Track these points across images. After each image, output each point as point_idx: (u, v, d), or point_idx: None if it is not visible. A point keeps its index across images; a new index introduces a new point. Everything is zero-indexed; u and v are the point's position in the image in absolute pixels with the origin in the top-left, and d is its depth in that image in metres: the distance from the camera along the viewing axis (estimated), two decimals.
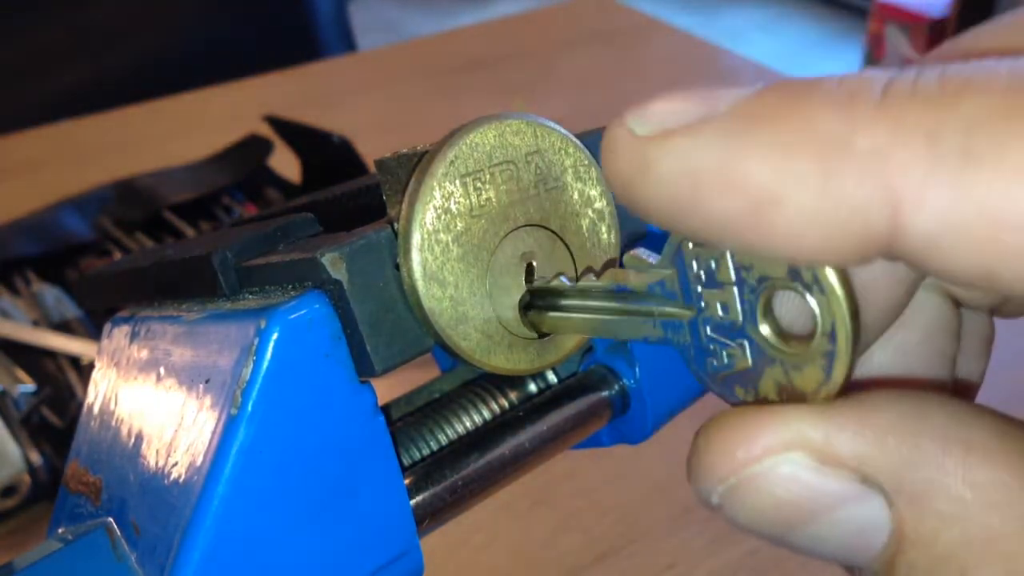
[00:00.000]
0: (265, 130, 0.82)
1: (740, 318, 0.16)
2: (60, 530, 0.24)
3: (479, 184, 0.20)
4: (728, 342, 0.17)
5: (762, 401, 0.16)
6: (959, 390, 0.20)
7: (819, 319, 0.15)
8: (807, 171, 0.13)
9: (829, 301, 0.15)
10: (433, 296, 0.19)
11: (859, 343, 0.15)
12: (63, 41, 1.05)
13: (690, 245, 0.17)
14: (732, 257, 0.16)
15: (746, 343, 0.16)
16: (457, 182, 0.20)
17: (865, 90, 0.13)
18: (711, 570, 0.50)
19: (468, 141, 0.20)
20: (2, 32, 1.03)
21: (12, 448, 0.53)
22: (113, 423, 0.23)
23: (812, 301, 0.15)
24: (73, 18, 1.05)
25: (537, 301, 0.21)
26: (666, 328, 0.18)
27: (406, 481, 0.22)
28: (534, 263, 0.21)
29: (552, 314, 0.20)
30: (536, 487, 0.55)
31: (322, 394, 0.19)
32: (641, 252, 0.18)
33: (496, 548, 0.52)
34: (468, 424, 0.24)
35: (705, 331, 0.17)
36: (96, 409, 0.25)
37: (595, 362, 0.26)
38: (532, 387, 0.25)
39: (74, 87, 1.05)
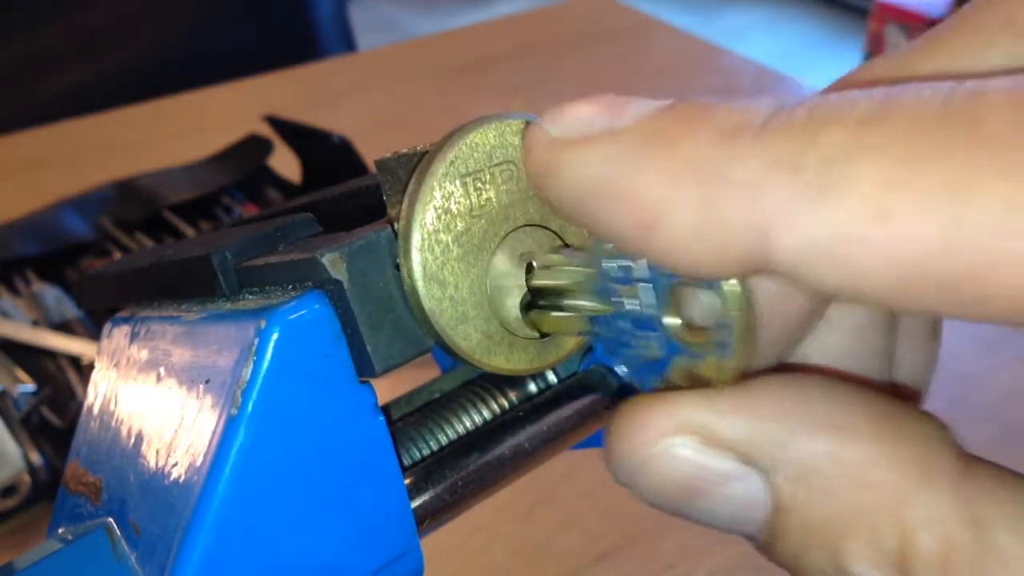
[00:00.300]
0: (265, 130, 0.82)
1: (652, 312, 0.18)
2: (60, 530, 0.24)
3: (479, 184, 0.20)
4: (642, 334, 0.18)
5: (672, 388, 0.18)
6: (899, 384, 0.22)
7: (716, 312, 0.16)
8: (689, 196, 0.14)
9: (722, 297, 0.16)
10: (433, 296, 0.19)
11: (752, 333, 0.16)
12: (63, 41, 1.05)
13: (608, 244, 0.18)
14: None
15: (657, 335, 0.18)
16: (457, 182, 0.20)
17: (748, 121, 0.14)
18: (711, 570, 0.50)
19: (468, 141, 0.20)
20: (2, 32, 1.03)
21: (12, 448, 0.53)
22: (113, 423, 0.23)
23: (710, 296, 0.16)
24: (73, 18, 1.05)
25: (538, 301, 0.21)
26: (592, 323, 0.19)
27: (406, 481, 0.22)
28: (534, 263, 0.21)
29: (554, 314, 0.20)
30: (536, 487, 0.55)
31: (322, 394, 0.19)
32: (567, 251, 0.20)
33: (496, 548, 0.52)
34: (468, 424, 0.24)
35: (623, 325, 0.18)
36: (96, 409, 0.25)
37: (595, 362, 0.26)
38: (532, 387, 0.25)
39: (74, 87, 1.05)
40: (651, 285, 0.17)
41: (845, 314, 0.20)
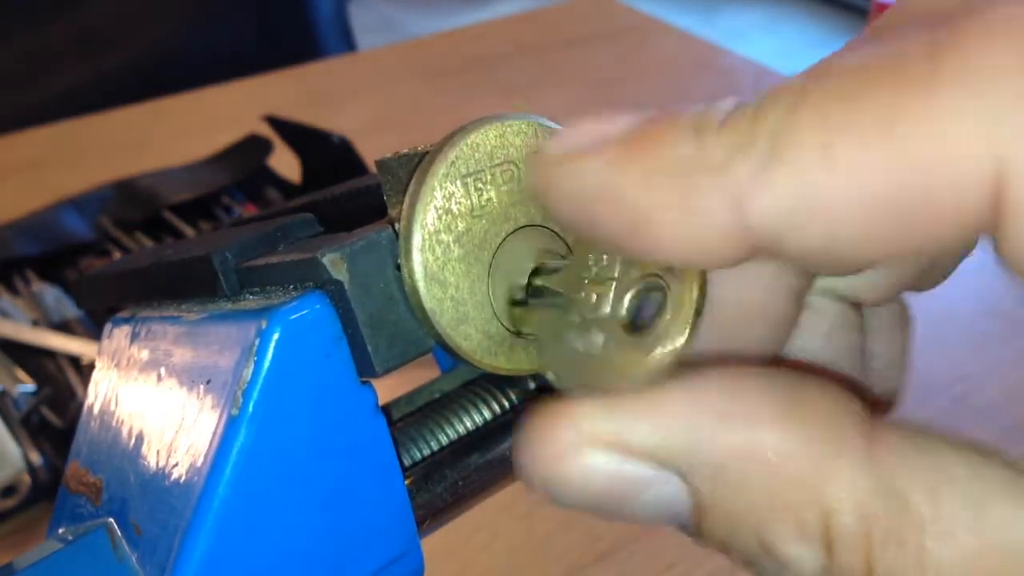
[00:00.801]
0: (265, 130, 0.82)
1: (606, 309, 0.18)
2: (60, 530, 0.24)
3: (480, 184, 0.20)
4: (590, 329, 0.18)
5: (601, 388, 0.18)
6: (875, 375, 0.23)
7: (667, 306, 0.17)
8: (669, 192, 0.15)
9: (680, 288, 0.17)
10: (434, 297, 0.19)
11: (699, 319, 0.17)
12: (63, 41, 1.05)
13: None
14: (618, 258, 0.18)
15: (601, 332, 0.18)
16: (458, 182, 0.20)
17: (711, 117, 0.15)
18: (711, 570, 0.50)
19: (469, 141, 0.20)
20: (2, 32, 1.03)
21: (12, 448, 0.53)
22: (113, 423, 0.23)
23: (670, 291, 0.17)
24: (73, 18, 1.05)
25: (528, 300, 0.21)
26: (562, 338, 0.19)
27: (407, 481, 0.22)
28: (542, 265, 0.21)
29: (539, 311, 0.20)
30: None
31: (323, 394, 0.19)
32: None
33: (496, 548, 0.52)
34: (468, 424, 0.24)
35: (575, 318, 0.19)
36: (96, 409, 0.25)
37: None
38: (532, 387, 0.25)
39: (74, 87, 1.05)
40: (614, 284, 0.18)
41: (816, 317, 0.21)
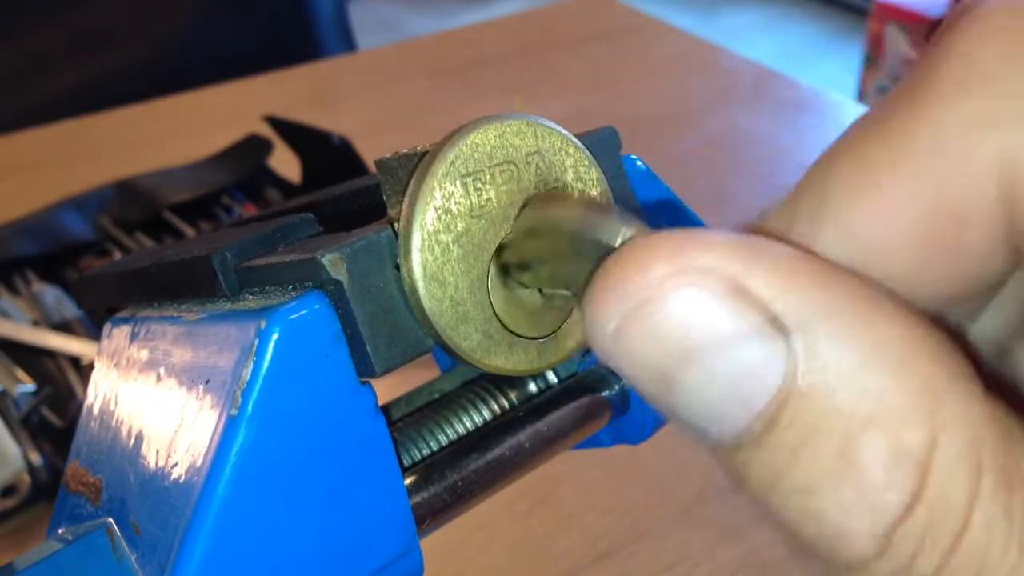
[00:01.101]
0: (265, 130, 0.82)
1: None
2: (60, 530, 0.24)
3: (479, 184, 0.20)
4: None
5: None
6: None
7: None
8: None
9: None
10: (433, 297, 0.19)
11: None
12: (63, 41, 1.05)
13: None
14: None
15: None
16: (457, 182, 0.20)
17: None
18: (711, 570, 0.50)
19: (468, 141, 0.20)
20: (2, 32, 1.03)
21: (12, 448, 0.53)
22: (113, 423, 0.23)
23: None
24: (73, 18, 1.05)
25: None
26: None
27: (406, 481, 0.22)
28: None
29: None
30: (536, 487, 0.55)
31: (322, 395, 0.19)
32: None
33: (496, 548, 0.52)
34: (468, 424, 0.24)
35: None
36: (96, 409, 0.25)
37: (595, 362, 0.26)
38: (532, 387, 0.25)
39: (74, 87, 1.05)
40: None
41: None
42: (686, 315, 0.14)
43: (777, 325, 0.13)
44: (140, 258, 0.29)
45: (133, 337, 0.24)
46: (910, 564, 0.13)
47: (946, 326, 0.18)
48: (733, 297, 0.13)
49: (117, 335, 0.25)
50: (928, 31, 2.29)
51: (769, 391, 0.13)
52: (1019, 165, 0.13)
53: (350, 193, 0.26)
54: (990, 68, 0.13)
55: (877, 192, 0.14)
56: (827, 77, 2.45)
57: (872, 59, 2.38)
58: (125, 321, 0.25)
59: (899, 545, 0.13)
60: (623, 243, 0.16)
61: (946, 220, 0.13)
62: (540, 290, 0.20)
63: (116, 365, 0.25)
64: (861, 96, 2.31)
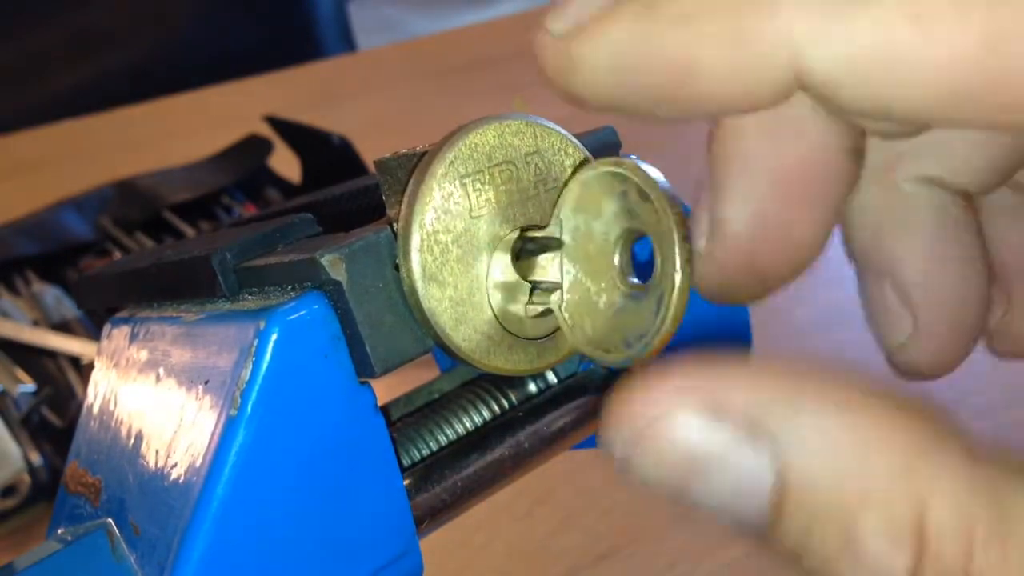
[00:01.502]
0: (265, 130, 0.82)
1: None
2: (60, 530, 0.24)
3: (479, 184, 0.20)
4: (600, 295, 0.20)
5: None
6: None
7: (656, 250, 0.17)
8: (714, 34, 0.14)
9: (658, 228, 0.17)
10: (433, 297, 0.19)
11: (688, 259, 0.17)
12: (63, 41, 1.05)
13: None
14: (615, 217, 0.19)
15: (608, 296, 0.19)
16: (457, 182, 0.20)
17: None
18: (711, 570, 0.50)
19: (468, 141, 0.20)
20: (2, 32, 1.03)
21: (12, 448, 0.53)
22: (113, 424, 0.23)
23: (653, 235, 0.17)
24: (73, 18, 1.05)
25: (528, 245, 0.21)
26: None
27: (406, 481, 0.22)
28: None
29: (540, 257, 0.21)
30: (536, 487, 0.55)
31: (321, 395, 0.19)
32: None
33: (496, 548, 0.52)
34: (468, 424, 0.24)
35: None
36: (96, 410, 0.25)
37: (595, 362, 0.26)
38: (532, 387, 0.25)
39: (74, 87, 1.05)
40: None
41: (918, 211, 0.19)
42: (677, 439, 0.15)
43: (760, 430, 0.15)
44: (140, 258, 0.29)
45: (133, 337, 0.24)
46: None
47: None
48: (715, 416, 0.15)
49: (117, 335, 0.25)
50: None
51: (763, 493, 0.15)
52: (800, 48, 0.14)
53: (350, 193, 0.26)
54: None
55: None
56: None
57: None
58: (125, 321, 0.25)
59: None
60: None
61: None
62: (529, 296, 0.21)
63: (116, 365, 0.25)
64: None
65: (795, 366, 0.16)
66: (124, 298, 0.27)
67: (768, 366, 0.16)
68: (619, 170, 0.19)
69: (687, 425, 0.15)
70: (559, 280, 0.20)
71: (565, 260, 0.20)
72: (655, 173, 0.18)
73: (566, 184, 0.21)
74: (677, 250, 0.18)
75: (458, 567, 0.51)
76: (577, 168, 0.21)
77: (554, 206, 0.21)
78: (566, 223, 0.20)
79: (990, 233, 0.21)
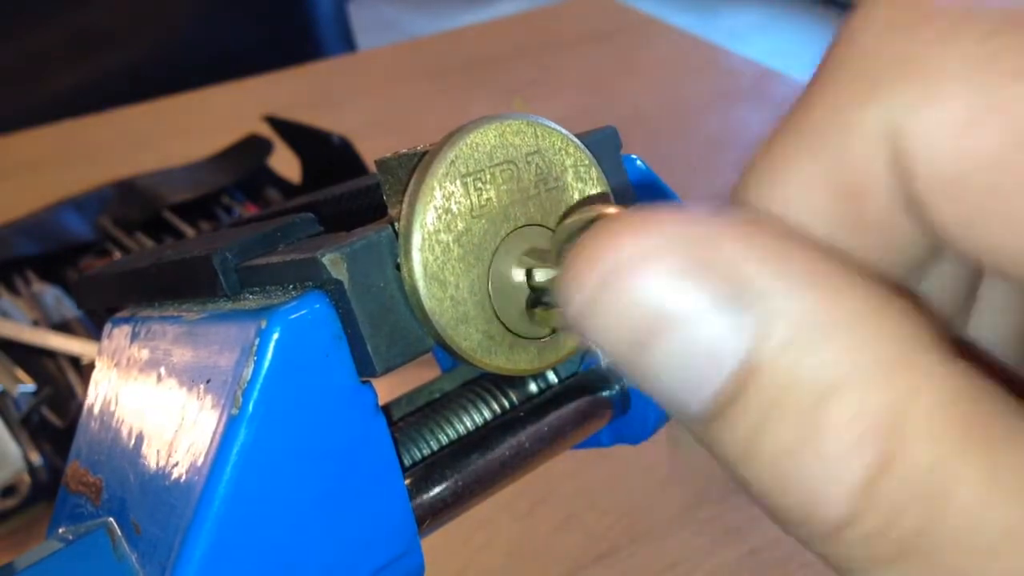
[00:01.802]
0: (265, 130, 0.82)
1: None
2: (60, 530, 0.24)
3: (480, 184, 0.20)
4: None
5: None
6: None
7: None
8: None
9: None
10: (434, 296, 0.19)
11: None
12: (63, 41, 1.05)
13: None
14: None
15: None
16: (458, 182, 0.20)
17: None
18: (711, 570, 0.50)
19: (468, 141, 0.20)
20: (2, 32, 1.03)
21: (12, 448, 0.53)
22: (113, 423, 0.24)
23: None
24: (73, 18, 1.05)
25: (543, 298, 0.21)
26: None
27: (406, 481, 0.22)
28: (534, 272, 0.21)
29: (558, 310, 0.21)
30: (536, 487, 0.55)
31: (323, 394, 0.19)
32: None
33: (496, 548, 0.52)
34: (468, 424, 0.24)
35: None
36: (96, 409, 0.25)
37: (595, 362, 0.26)
38: (532, 387, 0.25)
39: (74, 87, 1.05)
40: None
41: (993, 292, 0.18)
42: (649, 291, 0.14)
43: (738, 299, 0.13)
44: (140, 258, 0.29)
45: (133, 337, 0.24)
46: (888, 528, 0.13)
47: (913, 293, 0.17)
48: (695, 271, 0.13)
49: (117, 335, 0.25)
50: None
51: (730, 366, 0.13)
52: (903, 129, 0.13)
53: (350, 193, 0.26)
54: (869, 44, 0.14)
55: (782, 176, 0.15)
56: None
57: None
58: (125, 321, 0.25)
59: (873, 509, 0.13)
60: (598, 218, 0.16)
61: (846, 195, 0.14)
62: (530, 296, 0.21)
63: (116, 365, 0.25)
64: None
65: (792, 237, 0.14)
66: (124, 298, 0.27)
67: (762, 223, 0.14)
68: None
69: (659, 278, 0.13)
70: None
71: None
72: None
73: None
74: None
75: (459, 567, 0.51)
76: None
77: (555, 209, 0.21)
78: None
79: None
